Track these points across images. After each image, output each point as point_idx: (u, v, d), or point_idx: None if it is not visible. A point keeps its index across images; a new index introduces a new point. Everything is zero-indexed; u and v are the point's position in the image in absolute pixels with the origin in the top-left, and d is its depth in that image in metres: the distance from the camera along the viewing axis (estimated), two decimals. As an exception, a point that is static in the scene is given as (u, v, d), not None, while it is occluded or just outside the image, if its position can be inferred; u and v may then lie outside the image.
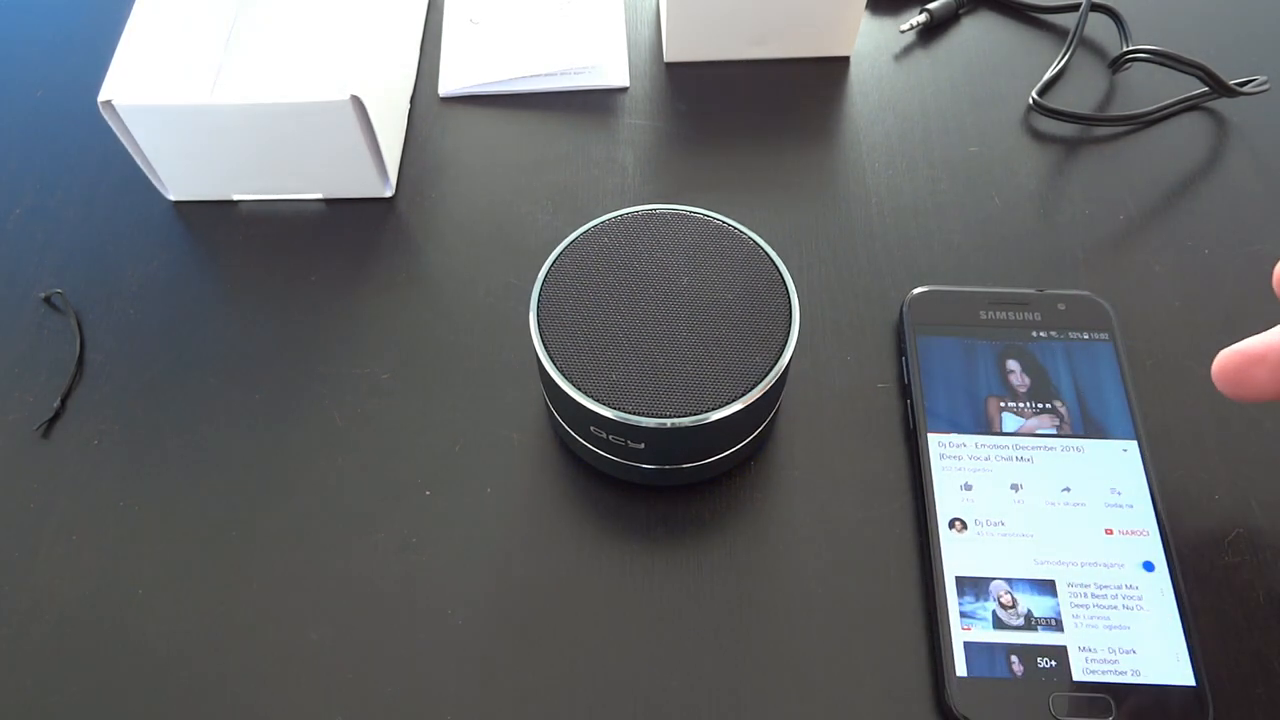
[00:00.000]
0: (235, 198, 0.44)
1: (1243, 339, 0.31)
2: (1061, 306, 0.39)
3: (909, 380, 0.37)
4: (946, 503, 0.34)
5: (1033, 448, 0.35)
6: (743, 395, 0.31)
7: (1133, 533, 0.34)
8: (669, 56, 0.48)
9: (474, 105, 0.47)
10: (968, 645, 0.31)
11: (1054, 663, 0.31)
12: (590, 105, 0.47)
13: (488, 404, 0.38)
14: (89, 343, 0.40)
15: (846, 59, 0.48)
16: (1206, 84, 0.45)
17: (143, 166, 0.42)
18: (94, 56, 0.49)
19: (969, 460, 0.35)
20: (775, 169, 0.44)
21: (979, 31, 0.50)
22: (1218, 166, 0.44)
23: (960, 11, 0.50)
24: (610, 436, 0.32)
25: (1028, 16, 0.50)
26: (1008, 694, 0.31)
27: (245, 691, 0.32)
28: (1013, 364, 0.37)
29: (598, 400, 0.31)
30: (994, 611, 0.32)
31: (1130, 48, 0.46)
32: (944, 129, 0.46)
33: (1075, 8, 0.49)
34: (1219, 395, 0.37)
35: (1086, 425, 0.36)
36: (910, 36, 0.49)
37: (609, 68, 0.48)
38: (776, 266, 0.33)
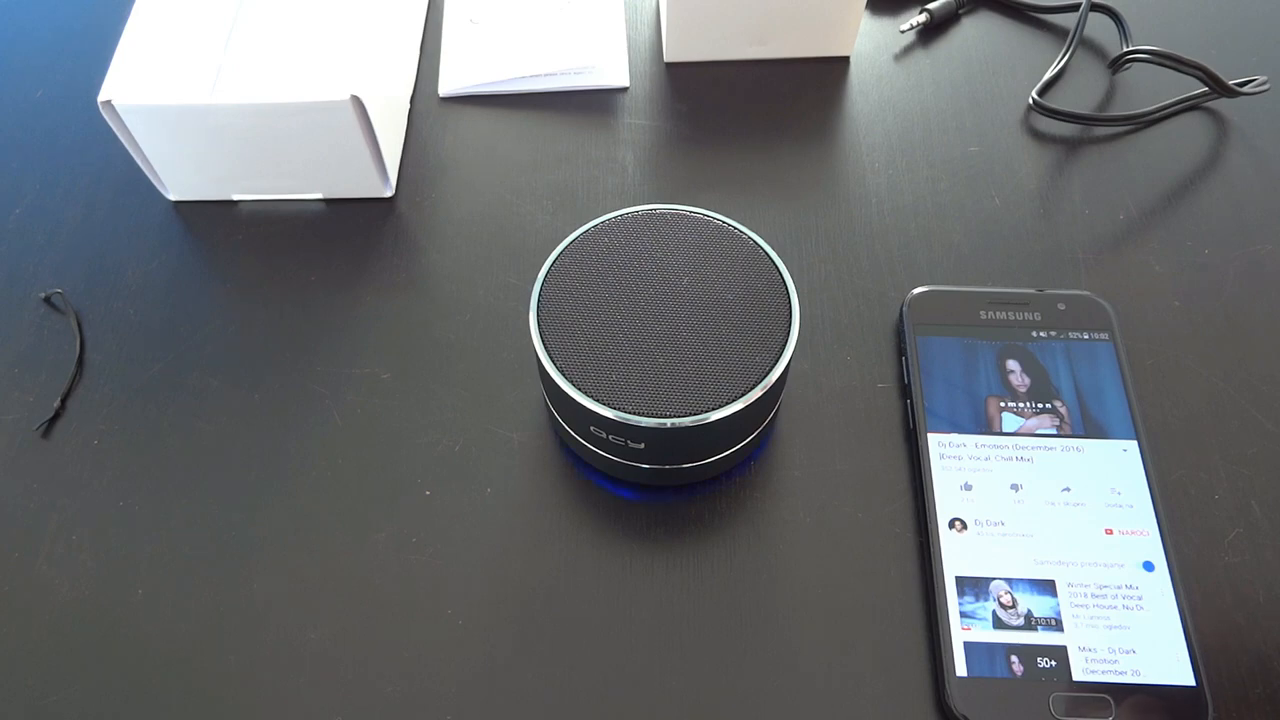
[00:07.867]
0: (235, 198, 0.44)
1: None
2: (1061, 306, 0.39)
3: (909, 380, 0.37)
4: (946, 503, 0.34)
5: (1033, 448, 0.35)
6: (743, 395, 0.31)
7: (1133, 533, 0.34)
8: (669, 56, 0.48)
9: (474, 105, 0.47)
10: (968, 645, 0.31)
11: (1054, 663, 0.31)
12: (590, 105, 0.47)
13: (488, 404, 0.38)
14: (89, 343, 0.40)
15: (846, 59, 0.48)
16: (1206, 84, 0.45)
17: (143, 166, 0.42)
18: (94, 56, 0.49)
19: (969, 460, 0.35)
20: (775, 169, 0.44)
21: (979, 31, 0.50)
22: (1218, 166, 0.44)
23: (960, 11, 0.50)
24: (610, 436, 0.32)
25: (1028, 16, 0.50)
26: (1008, 694, 0.31)
27: (245, 691, 0.32)
28: (1013, 364, 0.37)
29: (598, 400, 0.31)
30: (994, 611, 0.32)
31: (1130, 48, 0.46)
32: (944, 129, 0.46)
33: (1075, 8, 0.49)
34: (1219, 395, 0.37)
35: (1086, 425, 0.36)
36: (910, 36, 0.49)
37: (609, 68, 0.48)
38: (776, 266, 0.33)
